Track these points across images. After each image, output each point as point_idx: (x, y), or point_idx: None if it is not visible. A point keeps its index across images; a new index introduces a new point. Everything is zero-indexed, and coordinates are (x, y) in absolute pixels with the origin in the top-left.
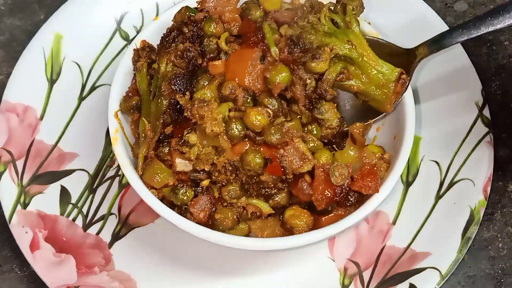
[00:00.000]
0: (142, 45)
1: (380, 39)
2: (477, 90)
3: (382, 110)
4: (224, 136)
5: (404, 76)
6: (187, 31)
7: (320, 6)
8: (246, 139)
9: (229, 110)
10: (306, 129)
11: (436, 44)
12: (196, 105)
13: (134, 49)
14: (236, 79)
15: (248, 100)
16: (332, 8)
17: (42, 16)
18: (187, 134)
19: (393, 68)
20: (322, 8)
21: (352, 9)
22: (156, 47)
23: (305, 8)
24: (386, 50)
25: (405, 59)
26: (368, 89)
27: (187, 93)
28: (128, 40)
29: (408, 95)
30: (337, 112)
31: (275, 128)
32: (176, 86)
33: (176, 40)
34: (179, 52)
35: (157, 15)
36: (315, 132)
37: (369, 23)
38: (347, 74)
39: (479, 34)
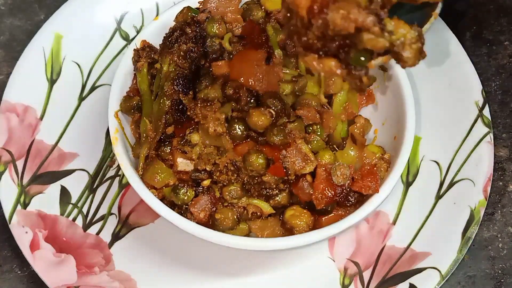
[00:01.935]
0: (142, 45)
1: None
2: (477, 90)
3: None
4: (227, 136)
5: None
6: (189, 31)
7: None
8: (249, 140)
9: (232, 110)
10: (310, 129)
11: None
12: (199, 105)
13: (134, 49)
14: (241, 79)
15: (251, 100)
16: None
17: (42, 16)
18: (189, 133)
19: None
20: None
21: None
22: (156, 47)
23: None
24: None
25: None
26: (398, 48)
27: (190, 92)
28: (128, 40)
29: (408, 95)
30: (405, 22)
31: (278, 129)
32: (179, 87)
33: (179, 40)
34: (182, 53)
35: (157, 15)
36: (318, 132)
37: None
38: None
39: None
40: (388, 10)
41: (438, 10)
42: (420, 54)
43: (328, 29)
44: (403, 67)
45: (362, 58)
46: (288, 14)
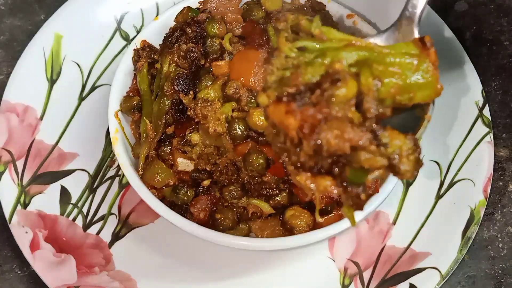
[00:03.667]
0: (142, 45)
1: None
2: (477, 90)
3: (434, 96)
4: (227, 136)
5: (427, 38)
6: (190, 31)
7: (320, 6)
8: (249, 140)
9: (232, 110)
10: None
11: None
12: (199, 105)
13: (134, 49)
14: (242, 79)
15: (252, 100)
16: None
17: (42, 16)
18: (189, 133)
19: (407, 42)
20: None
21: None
22: (156, 47)
23: (305, 8)
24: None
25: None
26: (408, 79)
27: (190, 92)
28: (128, 40)
29: None
30: (399, 132)
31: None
32: (179, 86)
33: (179, 40)
34: (182, 53)
35: (157, 15)
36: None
37: (369, 22)
38: (378, 78)
39: None
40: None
41: (430, 112)
42: (418, 164)
43: (322, 150)
44: (401, 179)
45: (360, 176)
46: (275, 131)
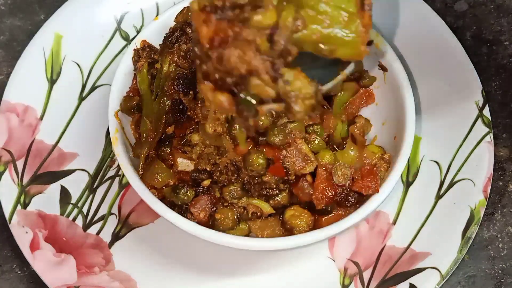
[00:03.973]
0: (142, 45)
1: None
2: (477, 90)
3: (355, 57)
4: (227, 136)
5: (368, 1)
6: (190, 31)
7: None
8: (249, 140)
9: None
10: (311, 129)
11: None
12: (199, 105)
13: (134, 49)
14: None
15: None
16: None
17: (42, 16)
18: (189, 133)
19: None
20: None
21: None
22: (156, 47)
23: None
24: None
25: None
26: (333, 32)
27: (190, 92)
28: (128, 40)
29: (408, 95)
30: (305, 76)
31: (278, 129)
32: (179, 87)
33: (179, 40)
34: (182, 53)
35: (157, 15)
36: (318, 132)
37: None
38: (303, 20)
39: None
40: (294, 61)
41: (348, 70)
42: (312, 111)
43: (221, 64)
44: (292, 119)
45: (252, 101)
46: (197, 38)
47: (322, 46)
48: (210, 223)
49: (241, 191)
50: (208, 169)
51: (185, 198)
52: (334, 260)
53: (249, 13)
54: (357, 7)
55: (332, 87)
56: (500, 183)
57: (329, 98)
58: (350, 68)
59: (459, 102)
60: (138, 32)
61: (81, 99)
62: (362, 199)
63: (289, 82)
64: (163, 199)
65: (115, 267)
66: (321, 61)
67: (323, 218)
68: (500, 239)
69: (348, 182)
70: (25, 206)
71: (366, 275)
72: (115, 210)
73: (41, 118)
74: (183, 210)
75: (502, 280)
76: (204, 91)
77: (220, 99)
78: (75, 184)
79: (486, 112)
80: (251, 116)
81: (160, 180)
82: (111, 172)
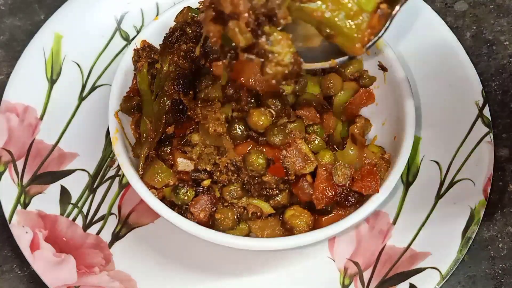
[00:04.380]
0: (142, 45)
1: None
2: (477, 90)
3: (350, 51)
4: (227, 136)
5: (383, 5)
6: (190, 31)
7: None
8: (249, 140)
9: (232, 110)
10: (311, 129)
11: None
12: (199, 105)
13: (134, 49)
14: (241, 79)
15: (252, 100)
16: None
17: (42, 16)
18: (189, 133)
19: None
20: None
21: None
22: (156, 47)
23: None
24: None
25: None
26: (335, 18)
27: (191, 92)
28: (128, 40)
29: (408, 95)
30: (291, 45)
31: (278, 129)
32: (179, 87)
33: (179, 40)
34: (182, 53)
35: (157, 15)
36: (318, 132)
37: None
38: None
39: None
40: (289, 26)
41: (338, 60)
42: (282, 79)
43: None
44: (263, 77)
45: (231, 44)
46: None
47: (321, 26)
48: (210, 223)
49: (241, 191)
50: (208, 169)
51: (185, 198)
52: (334, 260)
53: None
54: (373, 7)
55: (314, 69)
56: (500, 183)
57: (329, 98)
58: (341, 59)
59: (459, 102)
60: (138, 32)
61: (81, 99)
62: (362, 199)
63: (271, 42)
64: (163, 199)
65: (115, 267)
66: (321, 41)
67: (323, 218)
68: (500, 239)
69: (348, 182)
70: (25, 206)
71: (366, 275)
72: (115, 210)
73: (41, 118)
74: (183, 210)
75: (502, 280)
76: (203, 17)
77: (210, 28)
78: (75, 184)
79: (486, 112)
80: (232, 56)
81: (160, 180)
82: (111, 172)
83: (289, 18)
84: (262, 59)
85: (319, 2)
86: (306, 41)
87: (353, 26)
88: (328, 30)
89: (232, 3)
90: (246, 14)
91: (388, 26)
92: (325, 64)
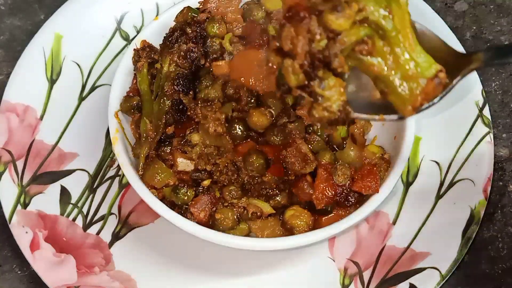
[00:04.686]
0: (142, 45)
1: (428, 30)
2: (477, 90)
3: (400, 111)
4: (227, 136)
5: (442, 75)
6: (190, 31)
7: None
8: (249, 140)
9: (232, 110)
10: (311, 129)
11: (499, 56)
12: (199, 105)
13: (134, 49)
14: (241, 79)
15: (252, 100)
16: None
17: (42, 16)
18: (189, 133)
19: (432, 62)
20: None
21: None
22: (156, 47)
23: None
24: (432, 44)
25: (453, 63)
26: (391, 76)
27: (191, 92)
28: (128, 40)
29: None
30: (343, 93)
31: (278, 129)
32: (179, 87)
33: (179, 40)
34: (182, 53)
35: (157, 15)
36: (318, 132)
37: None
38: (371, 47)
39: None
40: (345, 75)
41: (387, 117)
42: (328, 125)
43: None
44: (305, 118)
45: (282, 77)
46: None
47: (376, 81)
48: (210, 223)
49: (241, 191)
50: (208, 169)
51: (185, 198)
52: (334, 260)
53: (326, 8)
54: (432, 74)
55: (361, 118)
56: (500, 183)
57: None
58: (391, 117)
59: (459, 102)
60: (138, 32)
61: (81, 99)
62: (362, 199)
63: (324, 86)
64: (163, 199)
65: (115, 267)
66: (375, 93)
67: (323, 218)
68: (500, 239)
69: (348, 182)
70: (25, 206)
71: (366, 275)
72: (115, 210)
73: (41, 118)
74: (183, 210)
75: (502, 280)
76: (269, 48)
77: (271, 58)
78: (75, 184)
79: (486, 112)
80: (285, 90)
81: (160, 180)
82: (111, 172)
83: (346, 68)
84: (312, 100)
85: (380, 59)
86: (361, 89)
87: (407, 89)
88: (383, 86)
89: (292, 42)
90: (303, 56)
91: (443, 96)
92: (374, 117)
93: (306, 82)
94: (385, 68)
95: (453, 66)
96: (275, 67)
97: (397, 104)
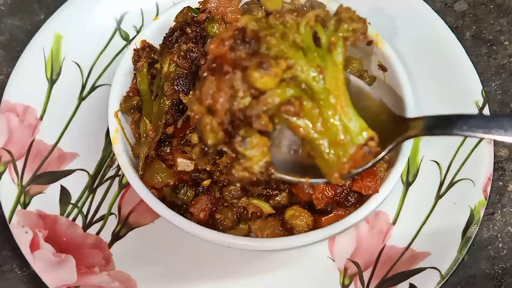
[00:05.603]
0: (142, 45)
1: (371, 89)
2: (477, 90)
3: (326, 177)
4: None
5: (373, 144)
6: (190, 31)
7: (320, 6)
8: None
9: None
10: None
11: (438, 126)
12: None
13: (134, 49)
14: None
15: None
16: (324, 17)
17: (42, 16)
18: (189, 133)
19: (364, 128)
20: (308, 13)
21: (347, 29)
22: (156, 47)
23: (305, 8)
24: (372, 105)
25: (392, 127)
26: (318, 141)
27: (191, 92)
28: (128, 40)
29: (408, 95)
30: (266, 153)
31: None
32: (179, 86)
33: (179, 40)
34: (182, 53)
35: (157, 15)
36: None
37: (369, 23)
38: (298, 108)
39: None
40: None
41: (313, 181)
42: (249, 185)
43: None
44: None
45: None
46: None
47: (306, 144)
48: (210, 223)
49: (241, 191)
50: (208, 169)
51: (185, 198)
52: (334, 260)
53: (252, 64)
54: (361, 142)
55: (285, 179)
56: (500, 183)
57: None
58: (317, 180)
59: (459, 101)
60: (138, 32)
61: (81, 99)
62: (362, 199)
63: (247, 145)
64: (163, 199)
65: (115, 267)
66: (301, 156)
67: (323, 218)
68: (500, 239)
69: (348, 182)
70: (25, 206)
71: (366, 275)
72: (115, 210)
73: (41, 118)
74: (183, 210)
75: (502, 280)
76: (190, 100)
77: (194, 107)
78: (75, 184)
79: (486, 112)
80: (204, 148)
81: (160, 180)
82: (111, 172)
83: (270, 127)
84: (234, 156)
85: (307, 121)
86: (289, 147)
87: (334, 156)
88: (309, 149)
89: (213, 97)
90: (223, 113)
91: (371, 165)
92: (300, 180)
93: (227, 140)
94: (312, 132)
95: (392, 130)
96: (196, 117)
97: (324, 169)
